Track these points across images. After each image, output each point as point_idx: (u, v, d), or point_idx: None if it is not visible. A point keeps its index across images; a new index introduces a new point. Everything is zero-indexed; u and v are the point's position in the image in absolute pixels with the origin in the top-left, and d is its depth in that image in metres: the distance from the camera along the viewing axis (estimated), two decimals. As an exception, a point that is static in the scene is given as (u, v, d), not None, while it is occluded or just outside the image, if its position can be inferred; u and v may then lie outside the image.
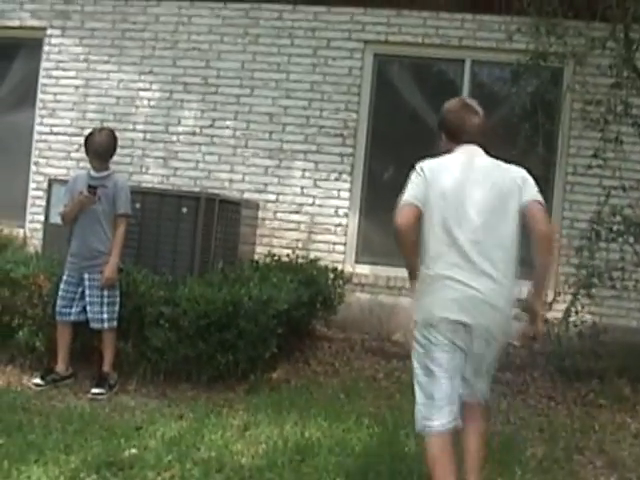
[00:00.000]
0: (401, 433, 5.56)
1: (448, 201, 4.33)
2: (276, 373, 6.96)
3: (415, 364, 4.49)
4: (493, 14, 8.56)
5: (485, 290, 4.22)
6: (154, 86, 9.32)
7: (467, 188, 4.35)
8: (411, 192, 4.58)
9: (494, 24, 8.63)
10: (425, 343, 4.36)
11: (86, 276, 6.53)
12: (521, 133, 7.82)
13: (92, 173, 6.70)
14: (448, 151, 4.72)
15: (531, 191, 4.34)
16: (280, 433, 5.50)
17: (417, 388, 4.47)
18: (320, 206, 8.85)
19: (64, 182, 7.25)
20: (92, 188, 6.47)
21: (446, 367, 4.29)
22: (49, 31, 9.81)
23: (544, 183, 8.23)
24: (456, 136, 4.77)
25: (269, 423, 5.72)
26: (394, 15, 8.86)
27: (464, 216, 4.27)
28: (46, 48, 9.80)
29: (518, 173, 4.42)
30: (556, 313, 7.65)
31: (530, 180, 4.40)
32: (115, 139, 6.77)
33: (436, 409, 4.32)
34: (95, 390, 6.41)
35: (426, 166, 4.64)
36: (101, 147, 6.67)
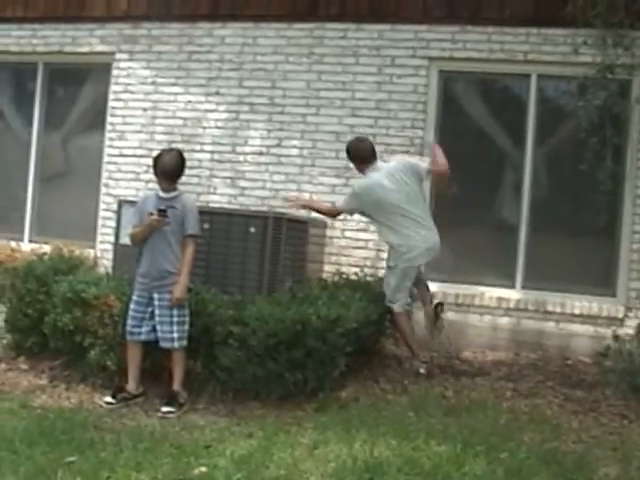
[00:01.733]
0: (470, 452, 5.50)
1: None
2: (345, 391, 6.92)
3: None
4: (558, 27, 8.49)
5: None
6: (221, 107, 9.42)
7: None
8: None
9: (559, 37, 8.56)
10: None
11: (156, 296, 6.59)
12: (589, 147, 7.73)
13: (161, 194, 6.77)
14: (362, 171, 7.79)
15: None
16: (349, 451, 5.46)
17: None
18: (387, 224, 8.84)
19: (133, 203, 7.33)
20: (162, 210, 6.53)
21: None
22: (117, 55, 9.99)
23: (613, 197, 8.20)
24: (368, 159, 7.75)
25: (338, 441, 5.68)
26: (458, 31, 8.85)
27: None
28: (115, 72, 9.99)
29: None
30: (628, 329, 7.54)
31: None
32: (183, 160, 6.82)
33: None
34: (165, 409, 6.44)
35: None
36: (169, 168, 6.73)
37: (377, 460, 5.33)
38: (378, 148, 8.79)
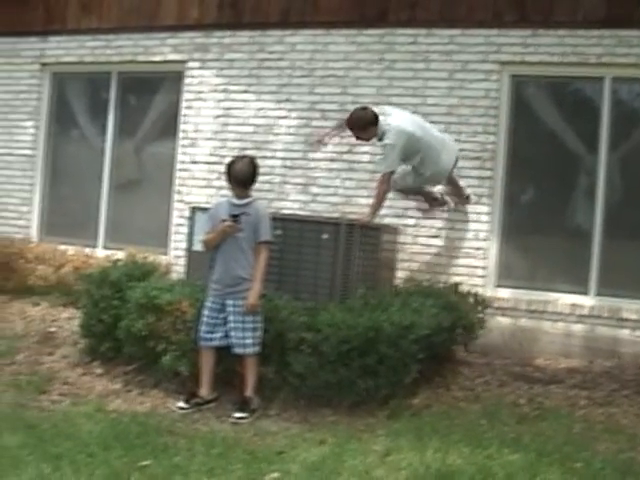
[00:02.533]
0: (544, 461, 5.43)
1: None
2: (417, 398, 6.89)
3: None
4: (632, 29, 8.36)
5: None
6: (292, 114, 9.46)
7: None
8: None
9: (634, 39, 8.40)
10: None
11: (229, 302, 6.63)
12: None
13: (234, 200, 6.81)
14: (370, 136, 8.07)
15: None
16: (421, 459, 5.43)
17: None
18: (460, 230, 8.79)
19: (206, 210, 7.39)
20: (235, 217, 6.57)
21: None
22: (189, 64, 10.10)
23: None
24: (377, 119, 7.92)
25: (410, 449, 5.66)
26: (530, 35, 8.74)
27: None
28: (187, 80, 10.09)
29: None
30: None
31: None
32: (256, 167, 6.86)
33: None
34: (238, 414, 6.47)
35: None
36: (242, 175, 6.77)
37: (449, 468, 5.30)
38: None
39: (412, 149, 7.91)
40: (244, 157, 7.07)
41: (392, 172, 7.91)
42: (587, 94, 9.18)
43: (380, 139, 7.92)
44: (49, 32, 11.13)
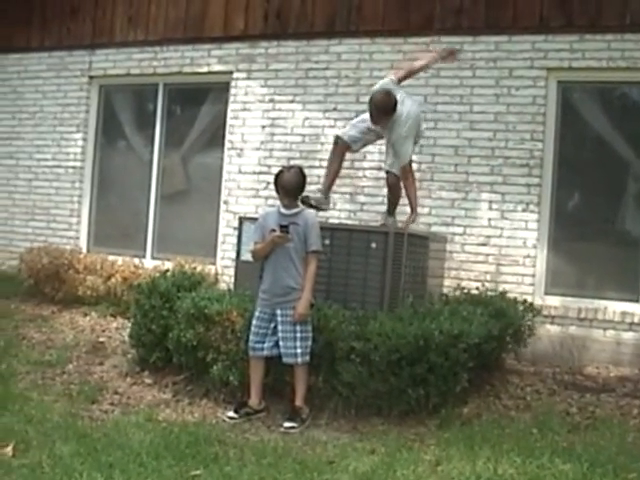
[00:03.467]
0: (597, 471, 5.36)
1: None
2: (467, 407, 6.84)
3: None
4: (682, 32, 8.29)
5: None
6: (338, 123, 9.45)
7: None
8: None
9: (683, 42, 8.34)
10: None
11: (278, 312, 6.63)
12: None
13: (282, 210, 6.82)
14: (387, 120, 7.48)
15: None
16: (472, 469, 5.39)
17: None
18: (508, 237, 8.73)
19: (254, 220, 7.41)
20: (284, 227, 6.58)
21: None
22: (235, 74, 10.17)
23: None
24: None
25: (461, 458, 5.63)
26: (576, 40, 8.68)
27: None
28: (233, 91, 10.16)
29: None
30: None
31: None
32: (304, 176, 6.87)
33: None
34: (287, 424, 6.47)
35: None
36: (291, 185, 6.79)
37: (501, 478, 5.27)
38: (497, 161, 8.78)
39: (416, 125, 7.67)
40: (292, 167, 7.07)
41: (411, 161, 7.77)
42: (635, 99, 9.10)
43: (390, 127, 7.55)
44: (97, 45, 11.28)
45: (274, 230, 6.64)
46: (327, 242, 7.13)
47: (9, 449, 5.47)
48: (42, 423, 6.13)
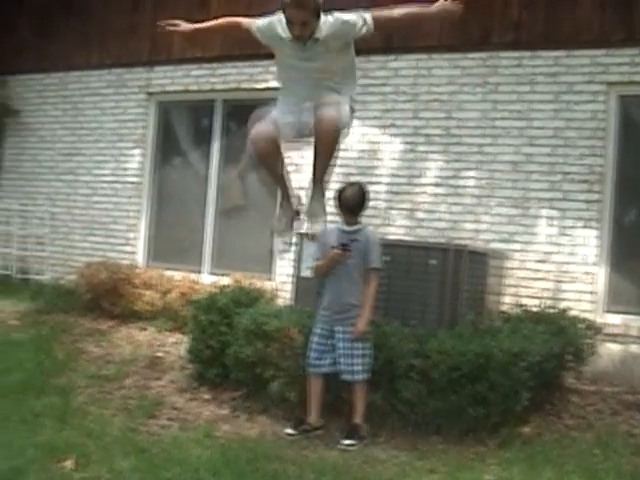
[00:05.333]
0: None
1: None
2: (528, 427, 6.74)
3: None
4: None
5: None
6: (396, 139, 9.42)
7: None
8: None
9: None
10: None
11: (338, 329, 6.61)
12: None
13: (343, 227, 6.81)
14: None
15: None
16: (534, 490, 5.35)
17: None
18: (568, 254, 8.60)
19: (312, 236, 7.40)
20: (345, 245, 6.58)
21: None
22: (294, 90, 10.14)
23: None
24: None
25: (523, 479, 5.57)
26: (638, 54, 8.53)
27: None
28: (290, 106, 10.14)
29: None
30: None
31: None
32: (365, 193, 6.86)
33: None
34: (346, 441, 6.42)
35: None
36: (352, 201, 6.78)
37: (564, 500, 5.20)
38: (556, 177, 8.68)
39: None
40: (354, 184, 7.07)
41: None
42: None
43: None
44: (155, 62, 11.38)
45: (335, 247, 6.64)
46: (387, 258, 7.09)
47: (70, 463, 5.51)
48: (101, 437, 6.16)
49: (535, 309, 7.97)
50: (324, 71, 5.56)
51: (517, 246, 8.76)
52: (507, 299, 8.46)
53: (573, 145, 8.72)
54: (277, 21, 5.50)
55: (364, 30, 5.49)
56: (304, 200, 6.07)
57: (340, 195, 6.82)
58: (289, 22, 5.32)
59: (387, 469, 5.90)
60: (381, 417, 6.69)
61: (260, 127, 5.57)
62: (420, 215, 9.26)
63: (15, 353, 8.55)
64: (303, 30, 5.30)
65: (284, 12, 5.32)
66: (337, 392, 6.79)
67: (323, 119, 5.36)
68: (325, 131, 5.40)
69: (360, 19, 5.46)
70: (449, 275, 7.06)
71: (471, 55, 9.24)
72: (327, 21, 5.40)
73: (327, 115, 5.36)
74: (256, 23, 5.66)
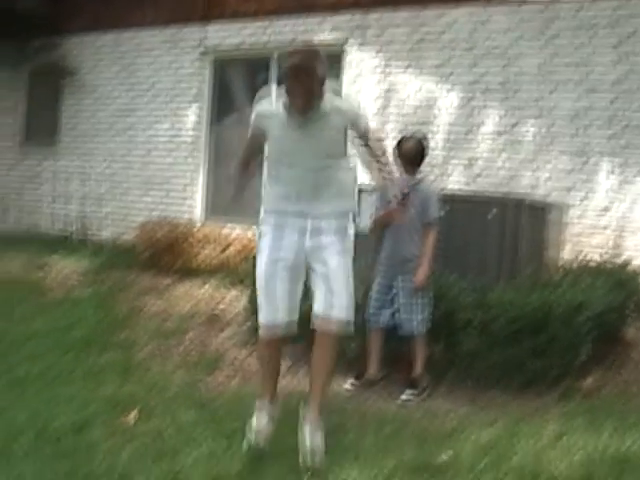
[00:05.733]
0: None
1: None
2: (588, 380, 6.68)
3: None
4: None
5: None
6: (453, 91, 9.32)
7: None
8: None
9: None
10: None
11: (397, 282, 6.59)
12: None
13: (402, 180, 6.76)
14: None
15: None
16: (596, 442, 5.23)
17: None
18: (629, 206, 8.48)
19: (372, 190, 7.36)
20: (404, 196, 6.51)
21: None
22: (348, 44, 10.08)
23: None
24: None
25: (583, 432, 5.48)
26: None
27: None
28: (347, 59, 10.07)
29: None
30: None
31: None
32: (425, 145, 6.80)
33: None
34: (406, 394, 6.42)
35: None
36: (412, 153, 6.72)
37: (626, 454, 5.09)
38: (617, 127, 8.52)
39: None
40: (413, 135, 7.01)
41: None
42: None
43: None
44: (209, 19, 11.34)
45: (395, 196, 6.59)
46: (445, 211, 7.02)
47: (132, 416, 5.57)
48: (163, 392, 6.21)
49: (595, 262, 7.88)
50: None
51: (577, 198, 8.64)
52: (566, 252, 8.36)
53: (634, 94, 8.54)
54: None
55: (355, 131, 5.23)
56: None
57: (400, 146, 6.76)
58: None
59: (446, 422, 5.87)
60: (440, 370, 6.66)
61: (271, 332, 5.21)
62: (477, 168, 9.16)
63: (77, 310, 8.66)
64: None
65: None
66: (397, 344, 6.78)
67: (329, 322, 5.12)
68: (327, 341, 5.20)
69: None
70: (508, 228, 6.98)
71: (528, 6, 9.06)
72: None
73: (334, 318, 5.09)
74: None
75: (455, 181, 9.21)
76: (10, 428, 5.33)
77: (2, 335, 7.70)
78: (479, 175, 9.16)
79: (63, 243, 11.77)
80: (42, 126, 13.60)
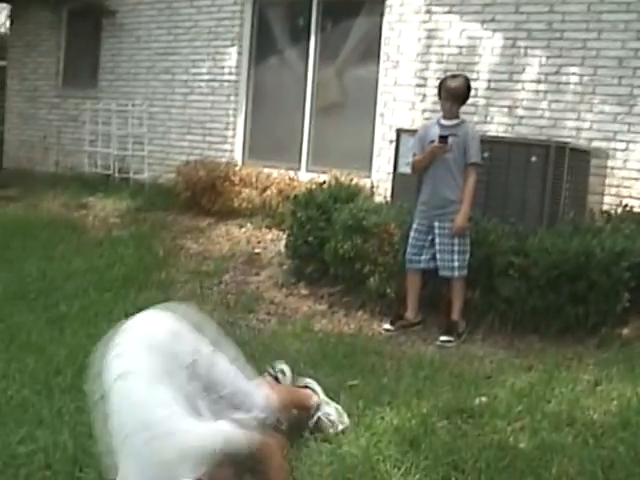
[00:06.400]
0: None
1: None
2: (627, 328, 6.61)
3: None
4: None
5: None
6: (497, 34, 9.15)
7: None
8: None
9: None
10: None
11: (436, 224, 6.58)
12: None
13: (443, 122, 6.71)
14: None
15: None
16: (633, 391, 5.22)
17: None
18: (673, 152, 8.35)
19: (412, 132, 7.33)
20: (444, 138, 6.48)
21: None
22: (392, -16, 9.93)
23: None
24: None
25: (621, 379, 5.48)
26: None
27: None
28: (389, 2, 9.93)
29: None
30: None
31: None
32: (469, 85, 6.76)
33: None
34: (443, 338, 6.46)
35: None
36: (456, 90, 6.66)
37: (663, 401, 5.11)
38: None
39: None
40: (458, 75, 6.98)
41: None
42: None
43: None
44: (251, -41, 11.24)
45: (433, 141, 6.56)
46: (486, 155, 6.97)
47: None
48: (202, 330, 6.28)
49: (637, 209, 7.79)
50: None
51: (620, 145, 8.48)
52: (608, 199, 8.26)
53: (683, 39, 8.37)
54: None
55: None
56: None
57: (444, 84, 6.71)
58: None
59: (484, 366, 5.91)
60: (479, 314, 6.67)
61: None
62: (520, 112, 9.02)
63: (117, 249, 8.76)
64: None
65: None
66: (435, 288, 6.79)
67: None
68: None
69: None
70: (550, 173, 6.91)
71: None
72: None
73: None
74: None
75: (496, 126, 9.10)
76: (50, 365, 5.43)
77: (42, 274, 7.80)
78: (521, 120, 9.02)
79: (103, 183, 11.85)
80: (82, 67, 13.62)
